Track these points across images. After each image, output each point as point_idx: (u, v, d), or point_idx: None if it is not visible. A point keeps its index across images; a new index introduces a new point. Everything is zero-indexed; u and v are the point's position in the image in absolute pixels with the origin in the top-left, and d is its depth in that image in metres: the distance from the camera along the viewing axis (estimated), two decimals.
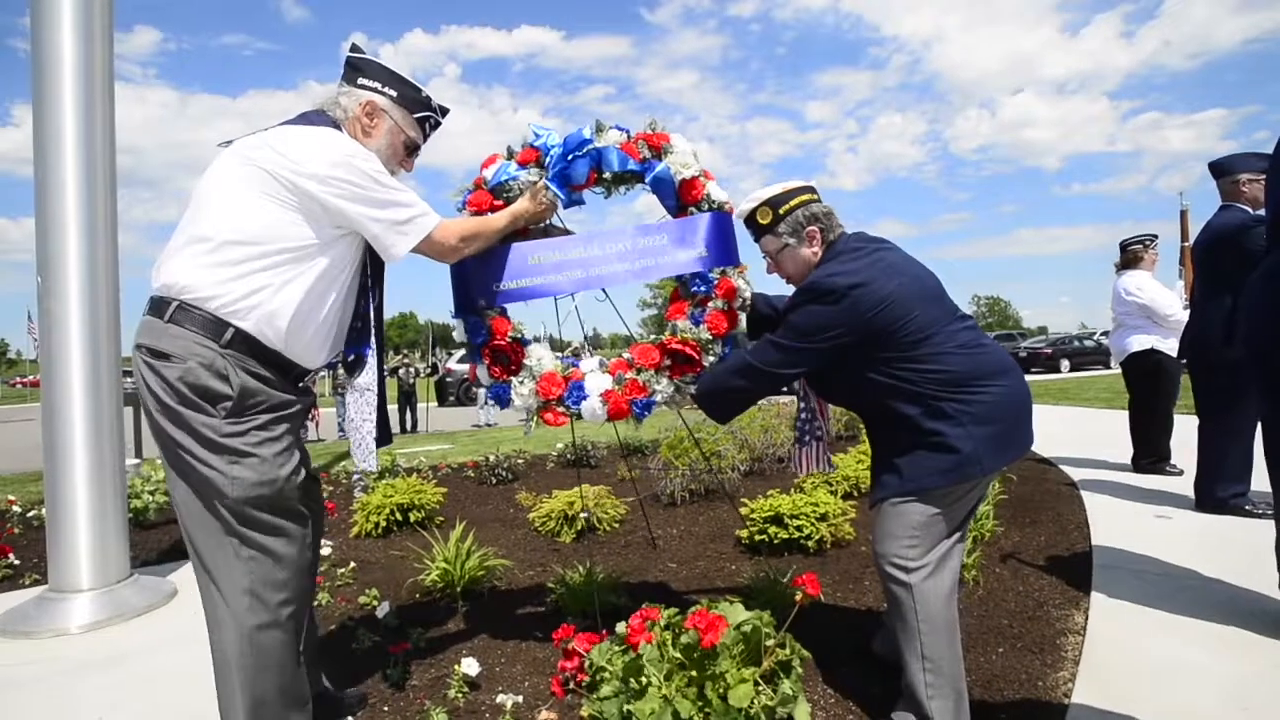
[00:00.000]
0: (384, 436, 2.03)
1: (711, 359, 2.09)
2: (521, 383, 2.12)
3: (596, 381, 2.12)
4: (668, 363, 2.11)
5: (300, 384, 1.71)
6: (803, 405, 2.14)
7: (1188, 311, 4.05)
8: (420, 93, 1.80)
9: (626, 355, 2.17)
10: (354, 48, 1.81)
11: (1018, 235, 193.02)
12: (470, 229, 1.90)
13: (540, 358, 2.16)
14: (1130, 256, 4.93)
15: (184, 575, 3.35)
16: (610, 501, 3.99)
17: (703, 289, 2.14)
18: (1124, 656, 2.15)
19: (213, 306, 1.51)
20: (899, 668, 1.79)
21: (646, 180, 2.18)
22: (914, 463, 1.71)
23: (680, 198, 2.16)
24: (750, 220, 1.95)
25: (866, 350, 1.71)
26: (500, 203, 2.14)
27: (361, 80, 1.76)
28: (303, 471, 1.64)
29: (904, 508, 1.72)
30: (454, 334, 2.17)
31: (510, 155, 2.21)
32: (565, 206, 2.18)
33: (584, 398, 2.10)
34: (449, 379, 18.11)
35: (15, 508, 4.63)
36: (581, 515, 3.73)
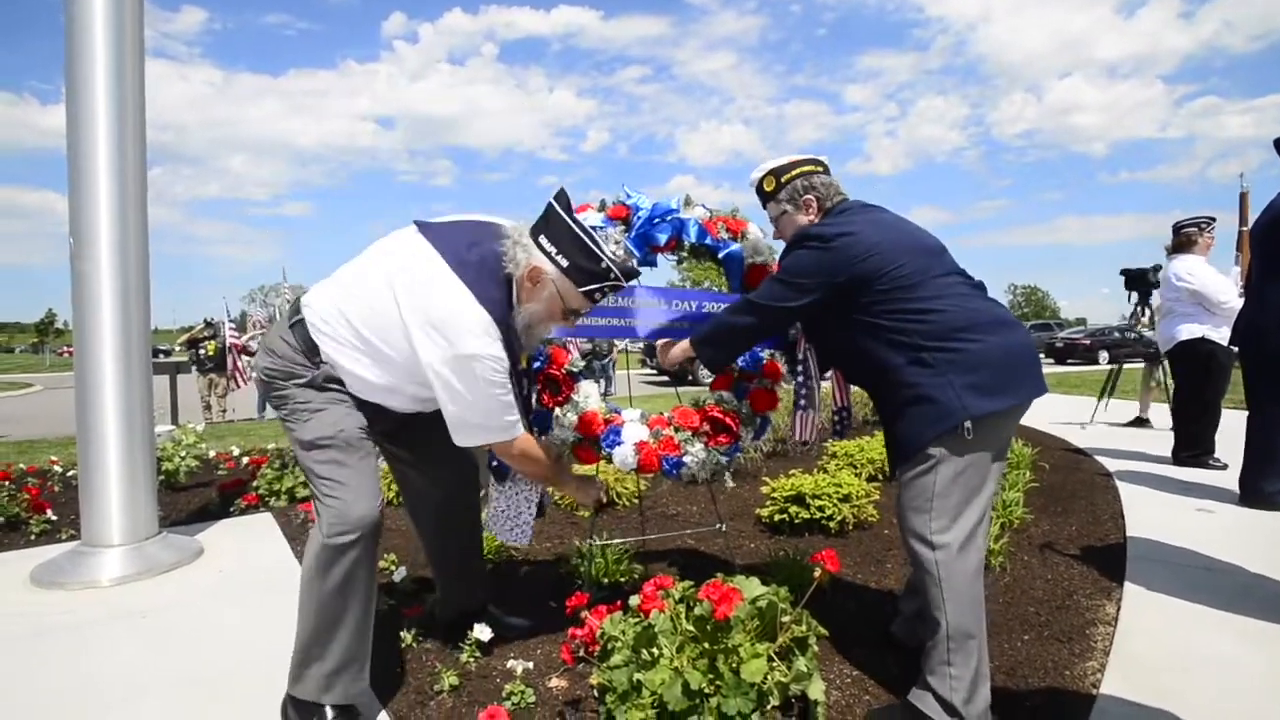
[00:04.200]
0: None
1: (749, 432, 2.26)
2: (565, 414, 2.21)
3: (634, 431, 2.22)
4: (706, 428, 2.23)
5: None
6: (800, 377, 2.18)
7: (1242, 299, 3.85)
8: (598, 264, 1.69)
9: (667, 414, 2.30)
10: (559, 195, 1.73)
11: (1060, 223, 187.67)
12: (536, 458, 1.86)
13: (588, 395, 2.27)
14: (1183, 240, 4.69)
15: (211, 535, 3.43)
16: (630, 476, 3.96)
17: (752, 367, 2.30)
18: (1158, 649, 2.06)
19: (315, 335, 1.71)
20: (918, 650, 1.76)
21: (719, 256, 2.34)
22: (906, 424, 1.71)
23: (745, 280, 2.34)
24: (759, 188, 2.02)
25: (857, 295, 1.73)
26: None
27: (542, 238, 1.70)
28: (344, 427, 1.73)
29: (920, 479, 1.69)
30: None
31: (602, 207, 2.34)
32: (639, 264, 2.30)
33: (619, 443, 2.19)
34: None
35: (56, 467, 4.78)
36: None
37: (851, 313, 1.76)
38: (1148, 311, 5.78)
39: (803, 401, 2.20)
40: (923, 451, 1.67)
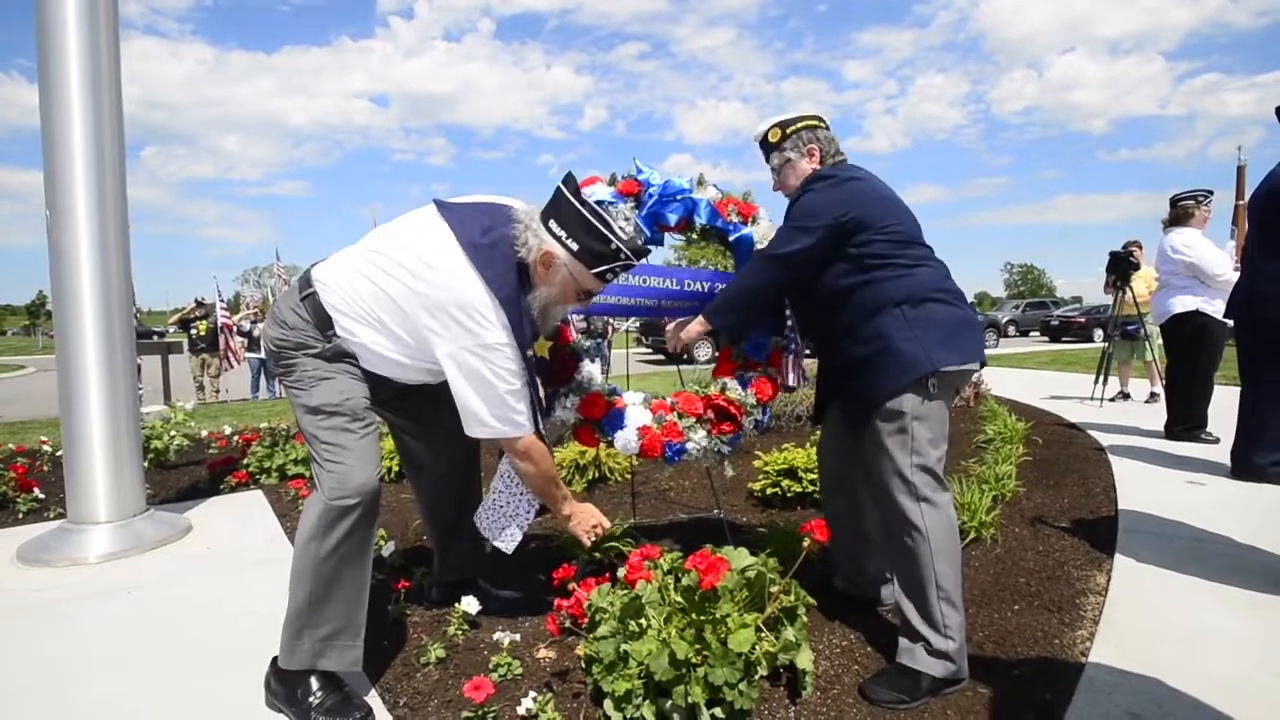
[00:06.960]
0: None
1: (751, 421, 2.24)
2: (566, 396, 2.19)
3: (637, 415, 2.21)
4: (710, 415, 2.21)
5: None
6: (789, 324, 2.22)
7: (1238, 273, 3.82)
8: (608, 245, 1.70)
9: (670, 399, 2.28)
10: (567, 179, 1.75)
11: (1058, 201, 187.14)
12: (539, 460, 1.84)
13: (590, 376, 2.23)
14: (1180, 212, 4.64)
15: (199, 513, 3.41)
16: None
17: (756, 356, 2.29)
18: (1147, 619, 2.06)
19: (329, 310, 1.71)
20: (864, 600, 2.05)
21: (730, 239, 2.31)
22: (874, 374, 1.76)
23: None
24: (763, 141, 2.05)
25: (853, 237, 1.79)
26: None
27: (552, 223, 1.70)
28: (351, 398, 1.73)
29: (896, 437, 1.73)
30: None
31: (612, 182, 2.29)
32: (647, 243, 2.23)
33: (621, 427, 2.17)
34: None
35: (46, 447, 4.75)
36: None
37: (840, 260, 1.81)
38: (1128, 292, 6.01)
39: (793, 346, 2.22)
40: (890, 403, 1.72)
